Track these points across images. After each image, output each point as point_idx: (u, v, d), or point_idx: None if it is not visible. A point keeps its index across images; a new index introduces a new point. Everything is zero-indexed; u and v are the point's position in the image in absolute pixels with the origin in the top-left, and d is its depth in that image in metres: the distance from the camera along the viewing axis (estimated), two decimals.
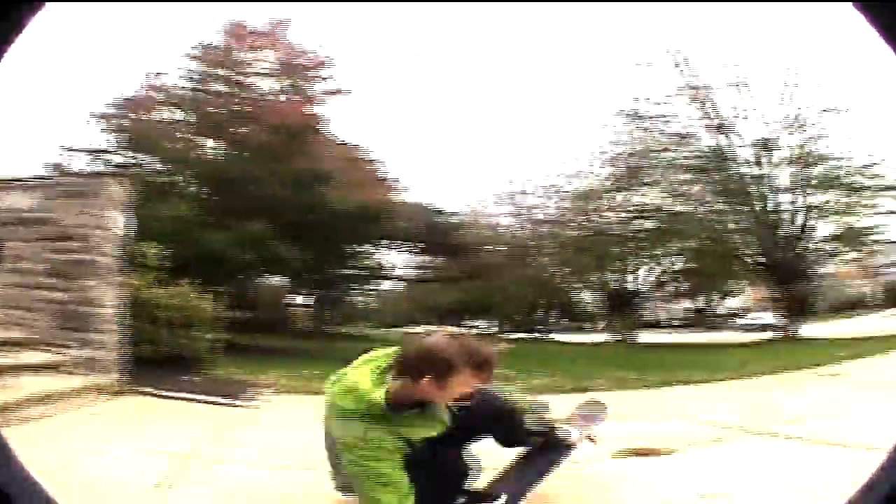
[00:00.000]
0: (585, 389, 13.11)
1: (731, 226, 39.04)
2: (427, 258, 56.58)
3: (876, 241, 39.71)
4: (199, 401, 10.74)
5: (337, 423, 4.12)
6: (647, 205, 42.00)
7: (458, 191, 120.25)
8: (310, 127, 28.69)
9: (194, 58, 28.95)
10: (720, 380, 15.10)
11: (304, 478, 6.01)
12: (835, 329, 35.41)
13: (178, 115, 29.05)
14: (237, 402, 10.84)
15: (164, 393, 10.94)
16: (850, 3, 1.89)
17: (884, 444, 5.97)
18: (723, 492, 5.41)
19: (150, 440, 7.61)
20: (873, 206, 36.15)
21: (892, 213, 35.98)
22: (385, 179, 37.03)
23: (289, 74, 30.18)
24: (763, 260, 38.68)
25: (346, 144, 34.13)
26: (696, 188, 39.70)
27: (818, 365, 16.59)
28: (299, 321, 52.04)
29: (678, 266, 47.17)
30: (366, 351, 4.46)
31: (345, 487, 4.50)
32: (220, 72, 28.71)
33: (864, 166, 35.54)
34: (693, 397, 12.62)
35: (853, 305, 67.37)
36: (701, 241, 39.80)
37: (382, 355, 4.28)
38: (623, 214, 43.68)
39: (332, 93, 30.84)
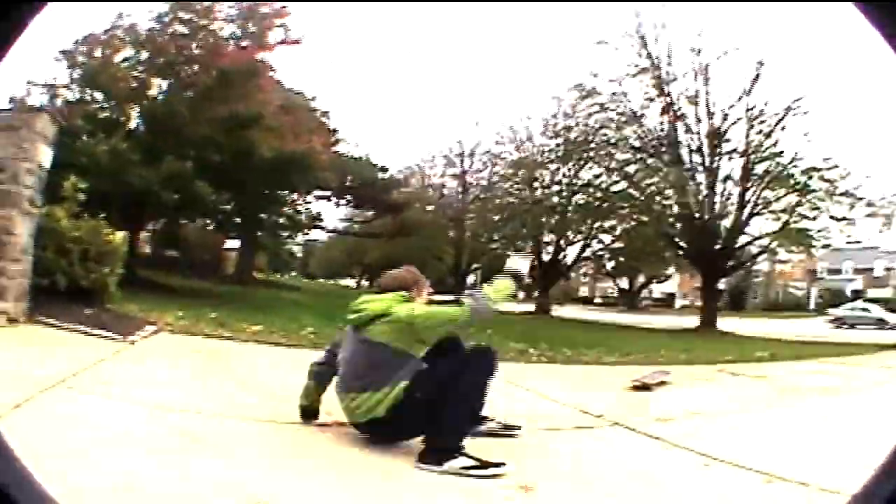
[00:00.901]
0: None
1: (667, 211, 39.18)
2: (360, 212, 57.56)
3: (817, 246, 40.17)
4: (85, 333, 10.90)
5: (392, 322, 6.09)
6: (587, 180, 42.50)
7: (401, 149, 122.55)
8: (252, 72, 28.60)
9: None
10: (619, 362, 15.45)
11: (145, 414, 6.23)
12: (766, 327, 35.98)
13: (137, 54, 28.89)
14: (118, 337, 10.93)
15: (56, 323, 11.17)
16: (851, 3, 1.86)
17: (745, 460, 5.94)
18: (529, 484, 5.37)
19: (22, 365, 7.71)
20: (820, 209, 36.53)
21: (840, 219, 36.51)
22: (324, 130, 37.18)
23: (248, 21, 30.16)
24: (693, 249, 39.13)
25: (288, 92, 34.38)
26: (636, 169, 39.99)
27: (729, 361, 16.83)
28: (229, 266, 52.46)
29: (611, 243, 47.60)
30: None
31: (306, 411, 6.85)
32: (184, 14, 28.67)
33: (816, 169, 35.97)
34: (582, 379, 12.71)
35: (792, 306, 68.86)
36: (634, 222, 40.07)
37: (391, 297, 6.37)
38: (561, 187, 44.32)
39: (285, 42, 30.81)
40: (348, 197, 50.44)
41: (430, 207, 54.84)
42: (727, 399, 10.94)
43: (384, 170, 52.22)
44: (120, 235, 14.34)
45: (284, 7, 30.34)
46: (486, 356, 6.46)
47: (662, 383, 11.54)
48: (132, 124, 28.06)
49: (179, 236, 42.69)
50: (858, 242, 43.72)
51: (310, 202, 44.18)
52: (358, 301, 6.38)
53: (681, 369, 14.70)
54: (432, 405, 5.85)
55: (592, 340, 20.64)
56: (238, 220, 32.87)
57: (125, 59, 28.48)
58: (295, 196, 38.40)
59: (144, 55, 28.41)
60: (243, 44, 29.55)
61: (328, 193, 46.54)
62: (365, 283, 77.05)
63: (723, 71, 38.41)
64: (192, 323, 14.17)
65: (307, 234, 53.86)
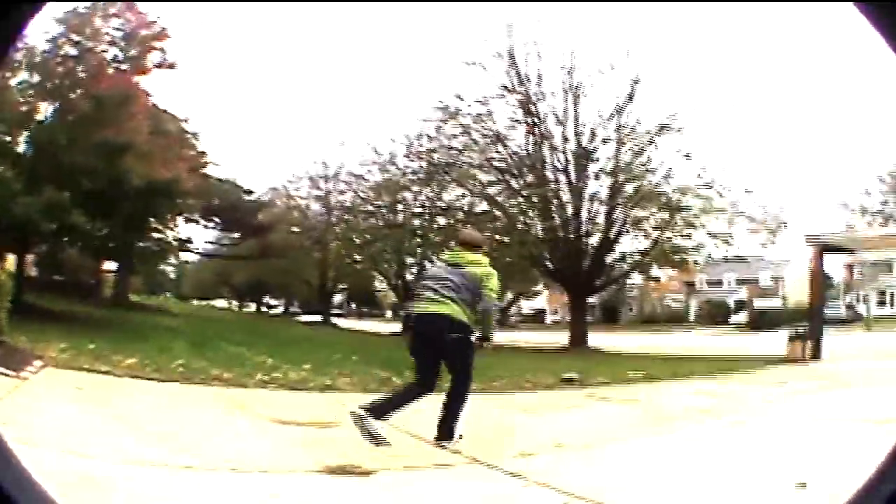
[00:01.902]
0: (329, 388, 13.76)
1: (533, 230, 39.82)
2: (228, 235, 57.73)
3: (692, 262, 41.40)
4: None
5: (479, 274, 9.18)
6: (451, 202, 43.17)
7: (266, 172, 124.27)
8: (127, 98, 28.79)
9: (59, 21, 28.67)
10: (481, 390, 15.49)
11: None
12: (642, 342, 36.83)
13: (30, 76, 28.84)
14: (11, 373, 11.02)
15: None
16: (851, 3, 1.99)
17: (608, 497, 6.11)
18: None
19: None
20: (695, 226, 37.62)
21: (717, 235, 37.71)
22: (192, 154, 37.48)
23: (131, 43, 30.49)
24: (560, 267, 39.75)
25: (162, 114, 34.32)
26: (501, 189, 40.70)
27: (601, 384, 17.34)
28: (109, 288, 51.78)
29: None
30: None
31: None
32: (75, 36, 28.76)
33: (689, 187, 37.18)
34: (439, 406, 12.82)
35: (671, 319, 70.73)
36: (499, 244, 40.72)
37: (479, 255, 9.57)
38: (424, 210, 44.91)
39: (162, 66, 31.44)
40: (216, 219, 50.86)
41: (294, 229, 55.47)
42: (595, 428, 11.10)
43: (249, 192, 53.52)
44: (5, 274, 15.02)
45: (164, 30, 30.93)
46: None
47: None
48: (20, 149, 28.35)
49: (60, 261, 42.85)
50: (740, 256, 45.10)
51: (178, 226, 44.26)
52: (455, 251, 9.75)
53: (548, 395, 15.09)
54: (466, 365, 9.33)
55: None
56: (112, 245, 33.10)
57: (21, 83, 28.50)
58: (164, 221, 38.52)
59: (36, 78, 28.46)
60: (123, 67, 29.91)
61: (196, 217, 46.67)
62: (235, 304, 77.53)
63: (595, 90, 39.20)
64: (72, 357, 14.25)
65: (177, 258, 54.22)
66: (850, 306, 64.77)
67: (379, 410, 8.68)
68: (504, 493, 6.99)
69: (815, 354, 26.16)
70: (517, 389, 15.66)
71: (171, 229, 40.92)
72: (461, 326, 8.97)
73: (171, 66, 31.56)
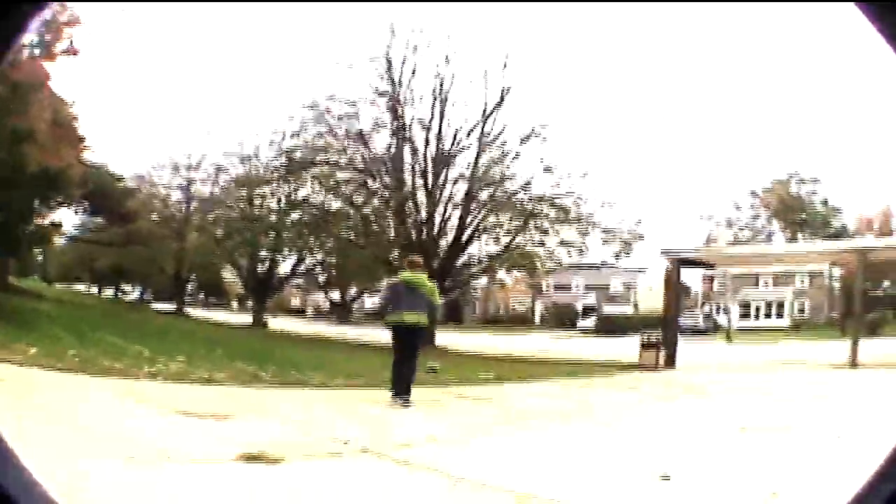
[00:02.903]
0: (210, 381, 14.62)
1: (382, 231, 41.24)
2: (94, 220, 57.56)
3: (542, 268, 43.15)
4: None
5: (427, 287, 15.43)
6: (306, 198, 44.37)
7: (134, 158, 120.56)
8: (40, 84, 29.14)
9: None
10: (343, 387, 17.10)
11: None
12: (489, 342, 38.13)
13: None
14: None
15: None
16: (851, 3, 2.05)
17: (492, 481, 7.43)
18: None
19: None
20: (547, 232, 39.52)
21: (570, 244, 39.56)
22: (80, 142, 37.91)
23: (48, 29, 30.41)
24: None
25: (60, 103, 34.21)
26: (357, 189, 42.05)
27: (455, 384, 18.90)
28: None
29: (324, 260, 49.46)
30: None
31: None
32: None
33: (545, 197, 39.33)
34: (315, 401, 14.15)
35: (515, 320, 72.33)
36: (349, 241, 41.71)
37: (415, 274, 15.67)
38: (280, 205, 46.13)
39: (68, 52, 31.68)
40: (85, 204, 50.33)
41: (154, 217, 55.26)
42: (459, 423, 12.55)
43: (120, 179, 52.90)
44: None
45: (77, 17, 31.32)
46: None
47: None
48: None
49: None
50: (591, 262, 46.97)
51: (54, 210, 43.82)
52: (410, 274, 15.53)
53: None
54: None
55: (317, 361, 22.19)
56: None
57: None
58: (50, 207, 38.86)
59: None
60: (36, 52, 30.11)
61: (66, 201, 46.27)
62: (95, 289, 76.29)
63: (464, 97, 40.92)
64: None
65: (52, 242, 53.51)
66: (708, 317, 67.30)
67: (401, 389, 14.58)
68: (396, 476, 8.15)
69: (670, 363, 27.88)
70: (376, 386, 16.60)
71: (51, 214, 40.94)
72: (423, 327, 15.70)
73: (75, 53, 31.85)
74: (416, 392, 15.36)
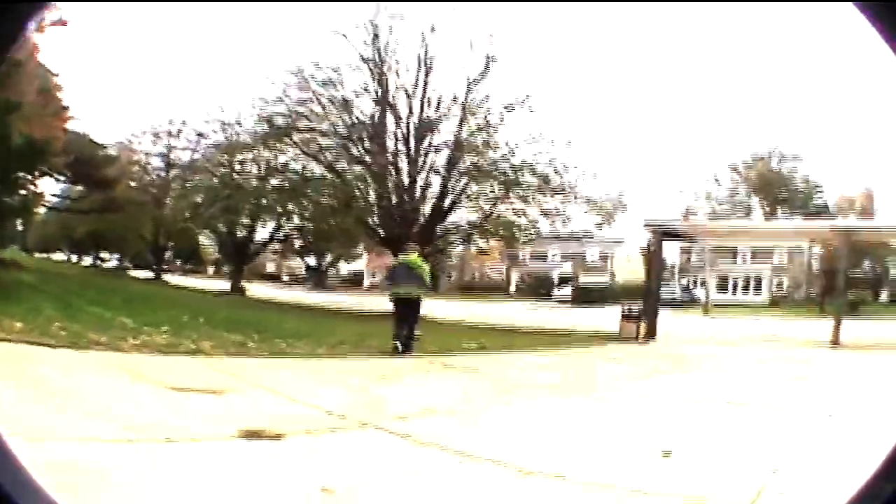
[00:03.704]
0: (198, 352, 14.34)
1: (364, 196, 40.95)
2: (74, 188, 56.59)
3: (522, 237, 43.10)
4: None
5: (421, 268, 20.02)
6: (285, 164, 44.00)
7: (115, 126, 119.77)
8: (29, 56, 28.88)
9: None
10: (329, 356, 16.96)
11: None
12: (465, 311, 38.10)
13: None
14: None
15: None
16: (851, 3, 2.09)
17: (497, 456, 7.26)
18: (344, 486, 6.27)
19: None
20: (528, 201, 39.36)
21: (551, 213, 39.51)
22: (64, 111, 37.54)
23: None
24: (389, 234, 40.47)
25: (46, 74, 34.03)
26: (338, 155, 41.60)
27: (434, 353, 18.89)
28: None
29: (301, 225, 49.35)
30: None
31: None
32: None
33: (526, 164, 39.00)
34: (305, 372, 13.94)
35: (489, 288, 72.33)
36: (328, 207, 41.51)
37: (417, 256, 20.87)
38: (260, 171, 45.70)
39: (55, 24, 30.91)
40: (67, 173, 50.08)
41: (132, 184, 54.64)
42: (452, 396, 12.23)
43: (103, 147, 51.93)
44: None
45: None
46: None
47: None
48: None
49: None
50: (569, 232, 46.90)
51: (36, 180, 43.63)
52: (408, 255, 20.52)
53: (392, 361, 16.53)
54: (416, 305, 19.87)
55: (300, 329, 22.09)
56: None
57: None
58: (34, 177, 38.69)
59: None
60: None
61: (48, 171, 46.04)
62: (74, 257, 76.12)
63: (450, 66, 40.39)
64: None
65: (34, 212, 53.38)
66: (686, 289, 67.40)
67: (399, 338, 18.56)
68: (400, 452, 8.02)
69: (650, 334, 27.82)
70: (364, 355, 17.27)
71: (34, 185, 40.78)
72: (418, 299, 19.86)
73: (64, 24, 31.48)
74: (401, 361, 16.21)
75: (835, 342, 27.42)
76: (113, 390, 10.05)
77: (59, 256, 78.30)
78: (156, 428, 7.72)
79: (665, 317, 30.62)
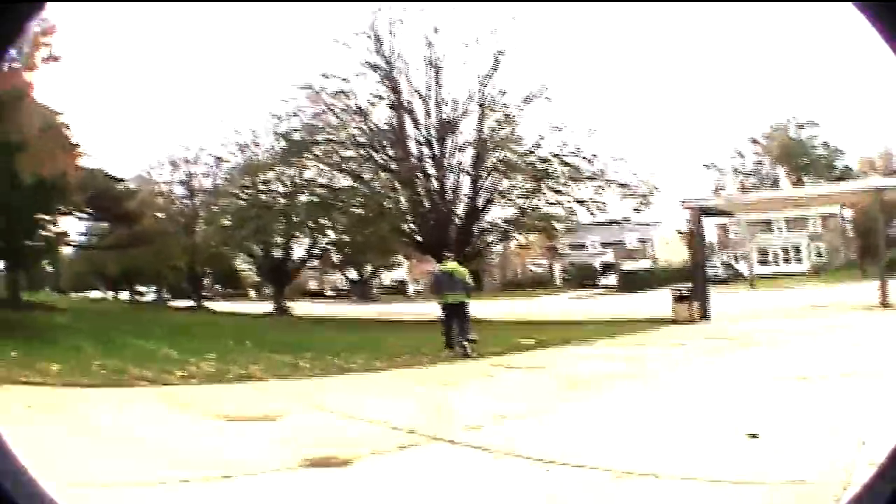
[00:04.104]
0: (248, 377, 13.77)
1: (395, 203, 40.38)
2: (99, 225, 56.93)
3: (560, 228, 42.45)
4: None
5: (461, 273, 20.65)
6: (311, 179, 43.52)
7: (131, 157, 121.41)
8: (23, 95, 28.90)
9: None
10: (387, 368, 16.17)
11: None
12: (513, 308, 37.51)
13: None
14: None
15: None
16: (851, 3, 2.06)
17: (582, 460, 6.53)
18: None
19: None
20: (561, 192, 38.68)
21: (586, 202, 38.76)
22: (71, 147, 36.63)
23: (26, 40, 29.55)
24: (427, 239, 40.25)
25: (47, 111, 33.77)
26: (362, 165, 41.19)
27: (496, 353, 18.39)
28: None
29: (336, 239, 49.04)
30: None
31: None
32: None
33: (555, 155, 38.23)
34: (363, 387, 13.28)
35: (534, 283, 71.80)
36: (361, 217, 41.01)
37: (456, 264, 21.49)
38: (287, 188, 45.17)
39: (48, 60, 31.38)
40: (88, 211, 50.16)
41: (160, 215, 54.77)
42: (521, 398, 11.53)
43: (120, 180, 52.23)
44: None
45: (52, 25, 31.03)
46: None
47: None
48: None
49: None
50: (604, 220, 46.34)
51: (59, 220, 43.74)
52: (446, 264, 20.93)
53: (451, 367, 15.99)
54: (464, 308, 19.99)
55: (352, 343, 21.30)
56: (3, 244, 32.81)
57: None
58: (52, 217, 38.75)
59: None
60: (15, 65, 29.58)
61: (70, 209, 46.10)
62: (111, 294, 76.71)
63: (459, 64, 40.58)
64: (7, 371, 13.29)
65: (59, 252, 53.68)
66: (728, 265, 66.64)
67: (450, 344, 19.41)
68: (481, 465, 7.26)
69: (704, 314, 27.16)
70: (422, 364, 16.75)
71: (55, 224, 40.76)
72: (463, 303, 19.95)
73: (56, 60, 31.61)
74: (463, 366, 15.72)
75: (884, 303, 26.83)
76: (162, 426, 9.49)
77: (95, 294, 78.80)
78: (211, 464, 7.07)
79: (713, 295, 29.90)
